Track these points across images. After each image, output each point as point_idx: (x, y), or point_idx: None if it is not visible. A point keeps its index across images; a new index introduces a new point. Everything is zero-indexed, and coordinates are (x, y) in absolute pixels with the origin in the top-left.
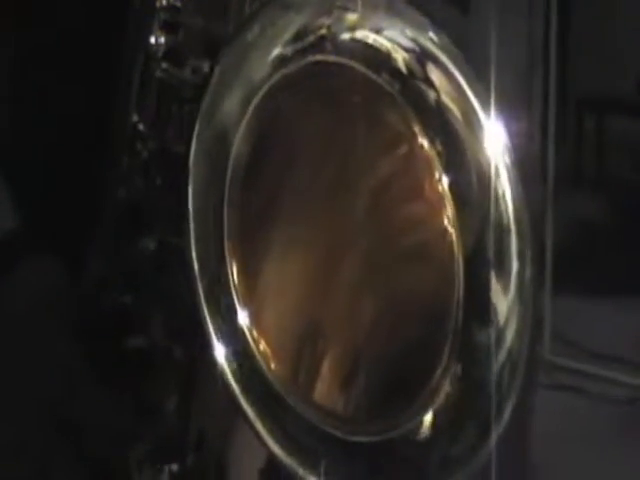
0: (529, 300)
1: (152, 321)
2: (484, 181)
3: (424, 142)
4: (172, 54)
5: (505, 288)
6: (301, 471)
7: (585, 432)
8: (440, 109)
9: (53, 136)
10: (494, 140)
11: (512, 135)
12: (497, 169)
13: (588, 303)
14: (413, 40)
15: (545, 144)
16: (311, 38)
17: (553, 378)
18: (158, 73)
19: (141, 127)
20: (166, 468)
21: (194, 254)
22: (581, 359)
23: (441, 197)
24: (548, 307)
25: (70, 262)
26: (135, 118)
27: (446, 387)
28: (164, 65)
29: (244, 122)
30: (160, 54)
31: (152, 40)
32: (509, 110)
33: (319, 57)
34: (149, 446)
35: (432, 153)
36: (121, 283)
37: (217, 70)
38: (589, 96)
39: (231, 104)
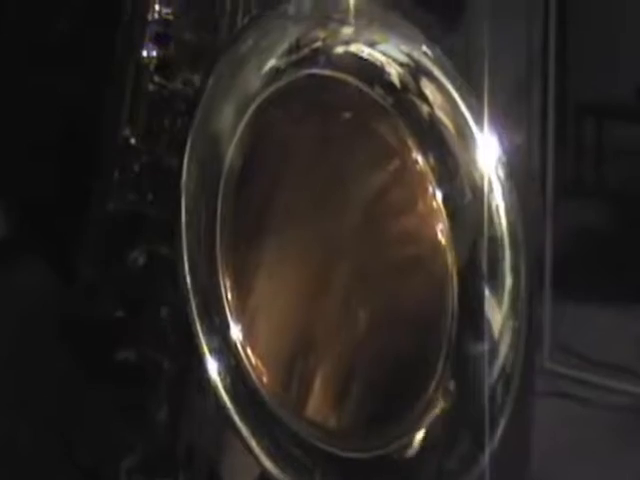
0: (523, 314)
1: (142, 333)
2: (478, 195)
3: (417, 156)
4: (164, 67)
5: (499, 302)
6: None
7: (585, 440)
8: (433, 123)
9: (45, 147)
10: (487, 154)
11: (506, 148)
12: (490, 183)
13: (588, 311)
14: (407, 55)
15: (544, 151)
16: (305, 51)
17: (553, 386)
18: (150, 86)
19: (132, 141)
20: None
21: (187, 270)
22: (581, 367)
23: (434, 211)
24: (548, 315)
25: (61, 274)
26: (127, 131)
27: (440, 401)
28: (156, 78)
29: (237, 134)
30: (152, 67)
31: (144, 53)
32: (504, 123)
33: (313, 70)
34: (139, 459)
35: (425, 167)
36: (111, 295)
37: (210, 81)
38: (588, 103)
39: (224, 116)
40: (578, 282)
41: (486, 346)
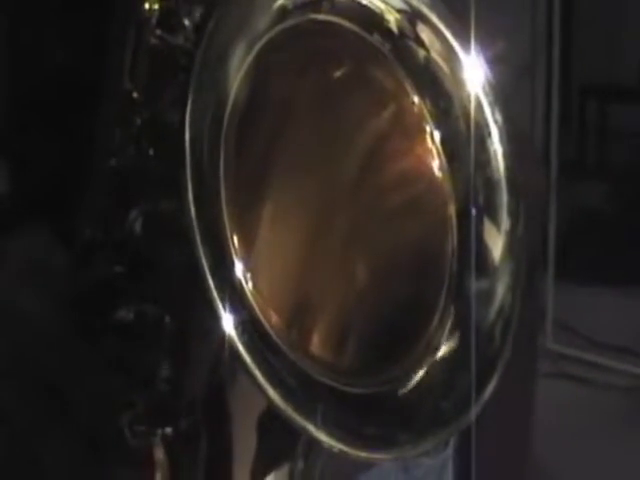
0: (521, 257)
1: (143, 290)
2: (474, 136)
3: (415, 99)
4: (166, 20)
5: (496, 242)
6: (297, 418)
7: (588, 420)
8: (430, 66)
9: (44, 104)
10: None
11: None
12: (488, 126)
13: (591, 292)
14: (404, 0)
15: (548, 133)
16: None
17: (556, 367)
18: (152, 40)
19: (134, 95)
20: (159, 432)
21: (194, 219)
22: (584, 348)
23: (433, 152)
24: (551, 296)
25: (61, 232)
26: (128, 86)
27: (440, 342)
28: (158, 32)
29: (242, 71)
30: (154, 20)
31: (146, 6)
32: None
33: (317, 15)
34: (141, 411)
35: (423, 110)
36: (112, 252)
37: (219, 12)
38: (592, 85)
39: (232, 50)
40: (581, 263)
41: (484, 283)
